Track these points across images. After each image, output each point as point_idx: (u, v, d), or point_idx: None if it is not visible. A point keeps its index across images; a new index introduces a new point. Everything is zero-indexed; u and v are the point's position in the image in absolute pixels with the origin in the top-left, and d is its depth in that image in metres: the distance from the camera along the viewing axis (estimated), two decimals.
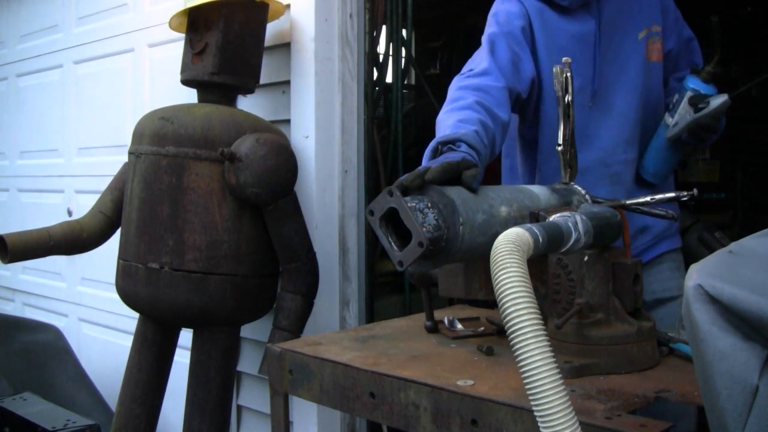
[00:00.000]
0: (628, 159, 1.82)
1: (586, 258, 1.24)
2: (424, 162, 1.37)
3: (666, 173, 1.89)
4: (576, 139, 1.44)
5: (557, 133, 1.42)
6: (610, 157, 1.79)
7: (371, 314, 2.56)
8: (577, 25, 1.77)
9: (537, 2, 1.77)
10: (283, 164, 2.07)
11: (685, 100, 1.75)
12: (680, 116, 1.77)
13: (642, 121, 1.82)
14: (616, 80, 1.79)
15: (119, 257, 2.20)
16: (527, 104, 1.79)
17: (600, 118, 1.79)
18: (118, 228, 2.31)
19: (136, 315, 2.28)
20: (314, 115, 2.32)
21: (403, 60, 3.24)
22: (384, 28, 3.13)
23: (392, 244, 1.14)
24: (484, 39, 1.75)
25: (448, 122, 1.47)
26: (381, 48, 3.13)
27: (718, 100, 1.72)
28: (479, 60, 1.69)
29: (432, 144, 1.40)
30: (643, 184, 1.86)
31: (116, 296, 2.25)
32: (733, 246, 0.89)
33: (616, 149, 1.79)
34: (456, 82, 1.66)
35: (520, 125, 1.89)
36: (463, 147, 1.37)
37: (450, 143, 1.38)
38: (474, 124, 1.46)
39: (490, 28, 1.76)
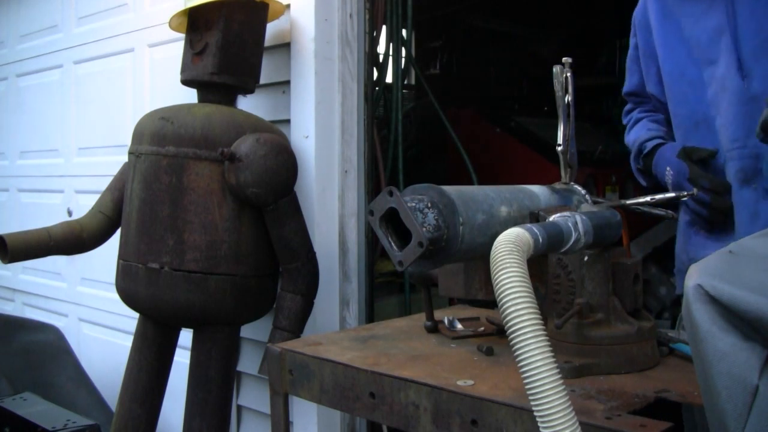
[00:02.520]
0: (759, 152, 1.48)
1: (586, 258, 1.24)
2: None
3: None
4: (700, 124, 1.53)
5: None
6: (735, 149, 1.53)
7: (371, 314, 2.56)
8: None
9: None
10: (283, 164, 2.07)
11: None
12: None
13: None
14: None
15: (119, 257, 2.20)
16: None
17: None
18: (118, 228, 2.31)
19: (136, 315, 2.28)
20: (314, 115, 2.32)
21: (403, 60, 3.25)
22: (384, 28, 3.13)
23: (392, 244, 1.14)
24: None
25: None
26: (381, 48, 3.13)
27: None
28: None
29: None
30: None
31: (116, 296, 2.25)
32: (733, 246, 0.89)
33: (747, 140, 1.50)
34: None
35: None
36: None
37: None
38: None
39: None
